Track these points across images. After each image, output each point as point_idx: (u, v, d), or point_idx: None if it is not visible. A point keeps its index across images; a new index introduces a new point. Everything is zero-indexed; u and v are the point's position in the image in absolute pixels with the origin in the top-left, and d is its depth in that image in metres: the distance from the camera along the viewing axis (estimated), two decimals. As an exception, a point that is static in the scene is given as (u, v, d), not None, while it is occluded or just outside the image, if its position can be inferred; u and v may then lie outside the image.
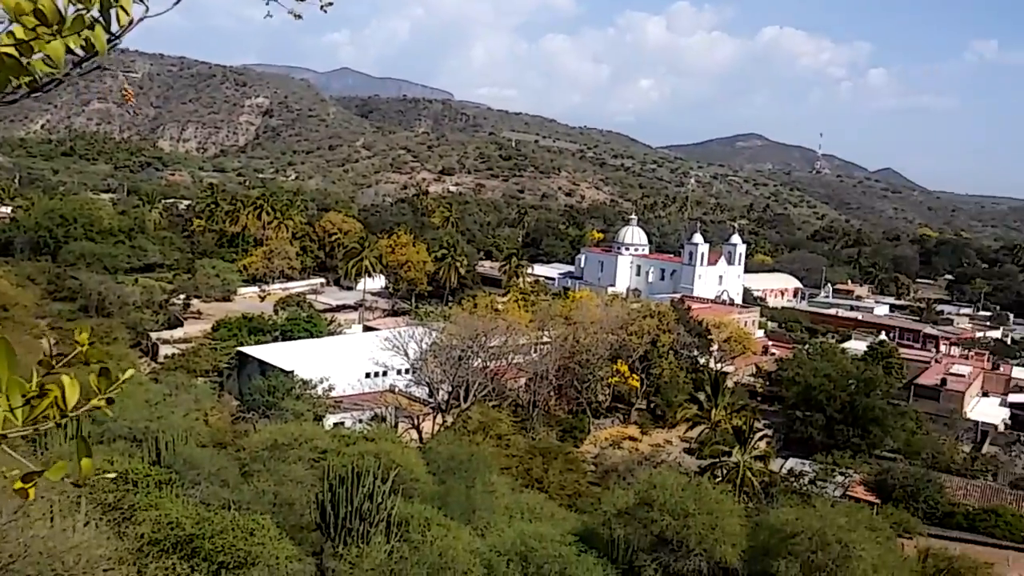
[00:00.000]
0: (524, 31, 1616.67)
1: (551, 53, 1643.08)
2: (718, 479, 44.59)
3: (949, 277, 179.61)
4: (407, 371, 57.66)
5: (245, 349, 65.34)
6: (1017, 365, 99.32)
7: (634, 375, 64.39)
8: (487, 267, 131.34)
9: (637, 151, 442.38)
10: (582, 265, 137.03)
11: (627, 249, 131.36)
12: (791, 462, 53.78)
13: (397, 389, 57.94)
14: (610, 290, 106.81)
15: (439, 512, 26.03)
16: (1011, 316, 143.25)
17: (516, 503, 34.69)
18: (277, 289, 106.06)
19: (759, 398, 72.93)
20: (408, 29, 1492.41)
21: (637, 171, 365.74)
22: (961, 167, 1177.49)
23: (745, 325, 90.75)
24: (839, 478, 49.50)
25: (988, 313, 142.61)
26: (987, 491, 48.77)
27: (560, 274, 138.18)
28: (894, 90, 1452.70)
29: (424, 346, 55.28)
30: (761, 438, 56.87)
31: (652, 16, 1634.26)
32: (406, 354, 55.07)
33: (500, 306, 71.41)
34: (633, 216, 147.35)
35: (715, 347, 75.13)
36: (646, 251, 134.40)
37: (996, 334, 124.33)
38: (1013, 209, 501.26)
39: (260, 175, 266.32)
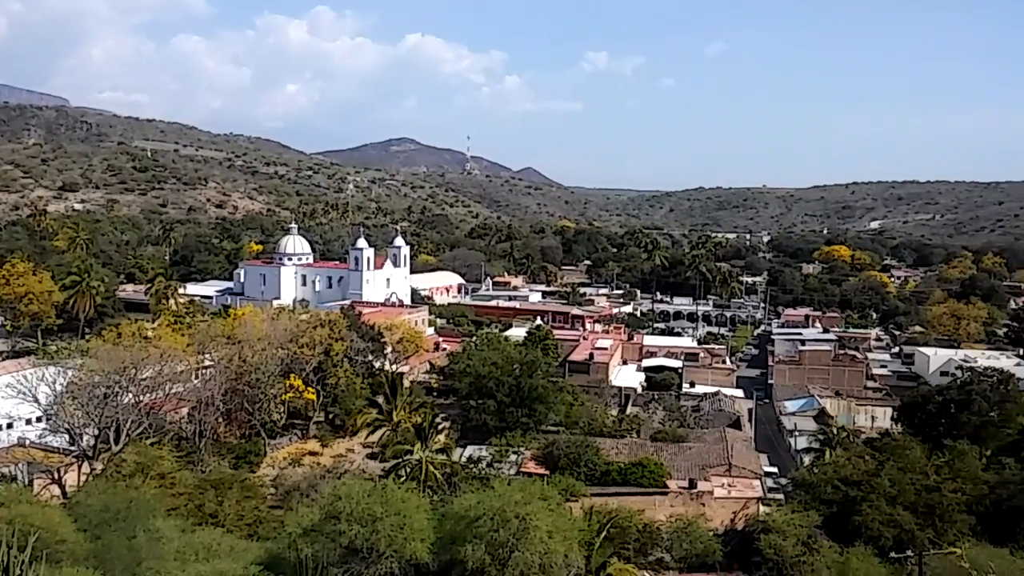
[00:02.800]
0: (150, 30, 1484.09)
1: (184, 55, 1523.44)
2: (403, 478, 44.83)
3: (588, 262, 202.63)
4: (39, 419, 49.69)
5: None
6: (647, 334, 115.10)
7: (309, 388, 62.36)
8: (131, 291, 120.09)
9: (290, 157, 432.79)
10: (242, 280, 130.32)
11: (290, 259, 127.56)
12: (470, 449, 55.99)
13: (28, 441, 49.79)
14: (275, 303, 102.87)
15: (96, 572, 23.37)
16: (638, 292, 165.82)
17: (188, 545, 31.95)
18: None
19: (435, 393, 75.09)
20: (5, 26, 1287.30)
21: (292, 178, 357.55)
22: (588, 164, 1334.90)
23: (416, 324, 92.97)
24: (513, 457, 52.62)
25: (620, 291, 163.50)
26: (634, 447, 55.32)
27: (218, 291, 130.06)
28: (528, 96, 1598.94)
29: (59, 388, 48.01)
30: (440, 431, 58.54)
31: (293, 19, 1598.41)
32: (36, 400, 47.36)
33: (150, 333, 64.61)
34: (293, 225, 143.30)
35: (389, 349, 75.76)
36: (310, 260, 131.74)
37: (628, 309, 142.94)
38: (632, 199, 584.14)
39: None
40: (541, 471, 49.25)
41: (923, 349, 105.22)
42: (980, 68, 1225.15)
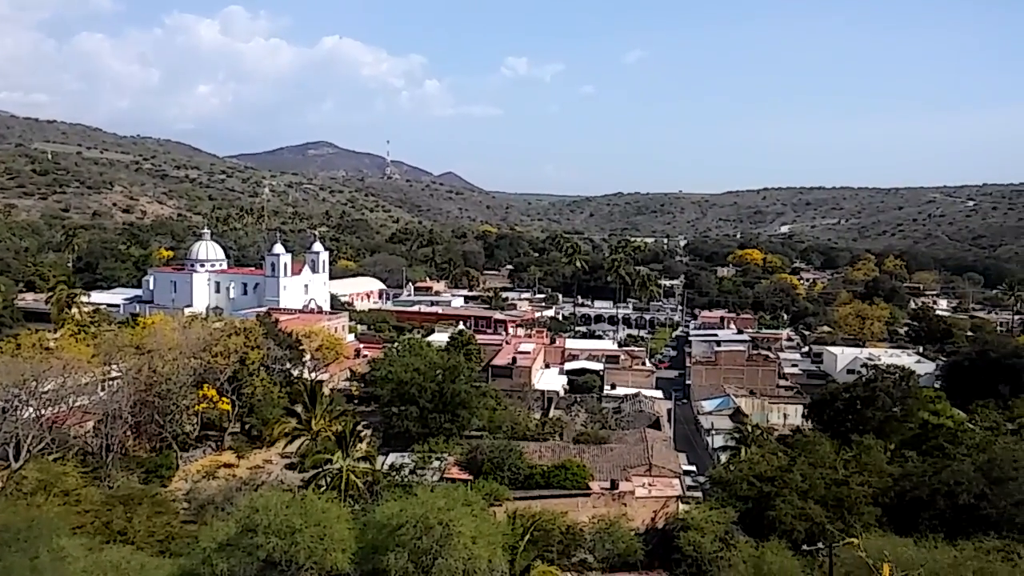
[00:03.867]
0: (51, 28, 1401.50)
1: (88, 53, 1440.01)
2: (323, 488, 43.98)
3: (510, 267, 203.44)
4: (-71, 437, 46.57)
5: None
6: (569, 338, 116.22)
7: (224, 398, 60.47)
8: (30, 300, 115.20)
9: (202, 161, 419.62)
10: (151, 287, 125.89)
11: (202, 266, 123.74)
12: (392, 457, 55.32)
13: (-83, 461, 46.52)
14: (187, 311, 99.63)
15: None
16: (560, 296, 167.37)
17: (96, 564, 30.94)
18: None
19: (356, 401, 74.00)
20: None
21: (205, 182, 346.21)
22: (509, 169, 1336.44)
23: (335, 331, 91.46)
24: (436, 463, 52.23)
25: (543, 295, 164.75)
26: (557, 449, 55.70)
27: (126, 299, 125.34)
28: (448, 100, 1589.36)
29: (-49, 403, 45.17)
30: (362, 439, 57.64)
31: (204, 19, 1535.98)
32: (-75, 416, 44.42)
33: (52, 343, 61.62)
34: (206, 230, 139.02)
35: (308, 357, 74.25)
36: (224, 266, 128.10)
37: (550, 313, 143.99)
38: (553, 204, 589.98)
39: None
40: (465, 476, 49.08)
41: (831, 348, 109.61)
42: (878, 79, 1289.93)
